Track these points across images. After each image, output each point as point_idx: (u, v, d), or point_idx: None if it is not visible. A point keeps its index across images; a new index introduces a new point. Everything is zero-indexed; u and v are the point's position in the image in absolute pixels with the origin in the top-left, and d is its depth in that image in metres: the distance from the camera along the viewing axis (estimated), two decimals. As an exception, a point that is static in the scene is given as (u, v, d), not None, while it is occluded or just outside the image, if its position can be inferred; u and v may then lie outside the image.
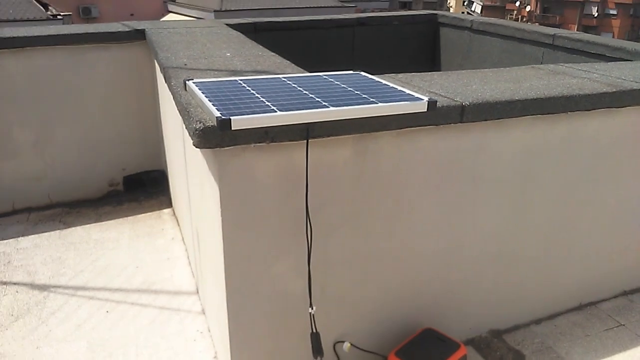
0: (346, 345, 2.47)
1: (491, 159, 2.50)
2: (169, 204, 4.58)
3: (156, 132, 4.54)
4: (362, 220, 2.32)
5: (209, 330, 2.95)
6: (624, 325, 2.96)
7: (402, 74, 2.79)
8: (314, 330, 2.25)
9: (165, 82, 2.86)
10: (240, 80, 2.40)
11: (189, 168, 2.88)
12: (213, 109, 1.96)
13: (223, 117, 1.86)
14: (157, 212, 4.48)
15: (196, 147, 1.96)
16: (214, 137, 1.92)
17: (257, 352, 2.34)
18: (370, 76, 2.53)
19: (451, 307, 2.72)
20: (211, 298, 2.69)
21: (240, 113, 1.91)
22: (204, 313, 3.12)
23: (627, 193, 2.96)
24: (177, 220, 4.22)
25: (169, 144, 3.90)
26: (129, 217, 4.39)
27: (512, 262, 2.78)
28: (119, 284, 3.46)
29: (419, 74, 2.80)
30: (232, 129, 1.86)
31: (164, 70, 2.89)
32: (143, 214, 4.44)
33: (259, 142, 2.00)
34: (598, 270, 3.08)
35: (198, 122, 1.94)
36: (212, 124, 1.91)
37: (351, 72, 2.61)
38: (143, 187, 4.87)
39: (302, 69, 2.82)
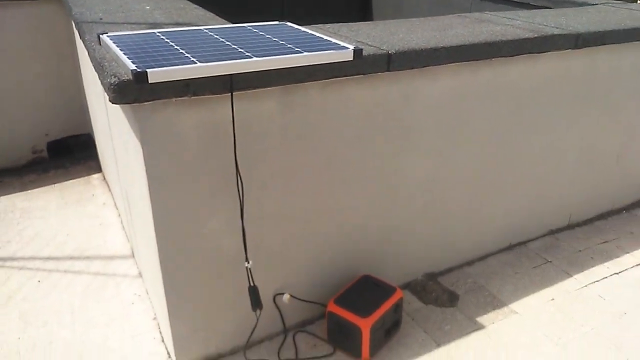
0: (286, 296, 2.49)
1: (419, 108, 2.52)
2: (98, 169, 4.41)
3: (79, 94, 4.32)
4: (294, 173, 2.30)
5: (147, 293, 2.90)
6: (550, 262, 3.12)
7: (330, 24, 2.74)
8: (252, 284, 2.24)
9: (80, 38, 2.69)
10: (159, 33, 2.29)
11: (112, 128, 2.76)
12: (128, 62, 1.85)
13: (139, 70, 1.76)
14: (86, 177, 4.31)
15: (113, 103, 1.86)
16: (130, 91, 1.83)
17: (196, 309, 2.32)
18: (296, 27, 2.47)
19: (387, 254, 2.78)
20: (146, 260, 2.63)
21: (158, 65, 1.82)
22: (141, 276, 3.06)
23: (550, 137, 3.07)
24: (108, 185, 4.07)
25: (92, 106, 3.71)
26: (56, 185, 4.20)
27: (443, 208, 2.85)
28: (49, 252, 3.33)
29: (346, 24, 2.76)
30: (149, 82, 1.77)
31: (77, 25, 2.71)
32: (71, 181, 4.26)
33: (181, 97, 1.92)
34: (526, 212, 3.22)
35: (113, 77, 1.83)
36: (128, 78, 1.81)
37: (277, 22, 2.53)
38: (70, 153, 4.66)
39: (226, 22, 2.72)
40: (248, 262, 2.19)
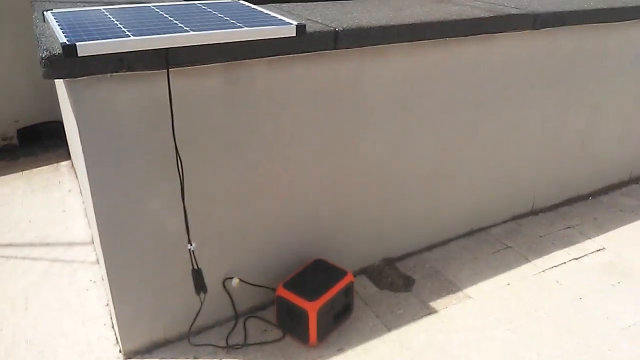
0: (234, 280, 2.46)
1: (371, 87, 2.48)
2: (67, 156, 4.37)
3: (50, 81, 4.26)
4: (240, 153, 2.27)
5: (103, 279, 2.87)
6: (510, 247, 3.10)
7: (287, 3, 2.71)
8: (195, 267, 2.21)
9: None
10: (105, 9, 2.25)
11: (64, 108, 2.72)
12: (61, 35, 1.82)
13: (68, 43, 1.72)
14: (55, 165, 4.27)
15: (45, 77, 1.82)
16: (61, 65, 1.79)
17: (140, 293, 2.29)
18: (248, 4, 2.43)
19: (343, 238, 2.75)
20: (97, 244, 2.60)
21: (90, 39, 1.78)
22: (98, 262, 3.02)
23: (511, 120, 3.04)
24: (75, 172, 4.04)
25: (59, 90, 3.67)
26: (25, 172, 4.17)
27: (400, 191, 2.82)
28: (10, 239, 3.30)
29: (302, 3, 2.73)
30: (79, 55, 1.73)
31: (30, 4, 2.67)
32: (39, 168, 4.23)
33: (116, 72, 1.89)
34: (487, 197, 3.19)
35: (45, 51, 1.79)
36: (59, 52, 1.78)
37: (230, 1, 2.49)
38: (40, 140, 4.62)
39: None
40: (191, 244, 2.16)
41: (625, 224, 3.34)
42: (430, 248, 3.07)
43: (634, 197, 3.70)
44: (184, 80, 2.03)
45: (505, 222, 3.34)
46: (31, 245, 3.26)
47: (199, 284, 2.21)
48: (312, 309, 2.30)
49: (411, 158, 2.77)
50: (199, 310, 2.36)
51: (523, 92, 3.00)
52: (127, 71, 1.90)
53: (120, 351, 2.39)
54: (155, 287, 2.31)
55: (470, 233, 3.21)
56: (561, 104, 3.21)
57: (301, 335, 2.39)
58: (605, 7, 3.03)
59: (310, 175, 2.50)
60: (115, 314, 2.29)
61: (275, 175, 2.40)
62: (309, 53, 2.23)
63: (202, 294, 2.26)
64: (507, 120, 3.02)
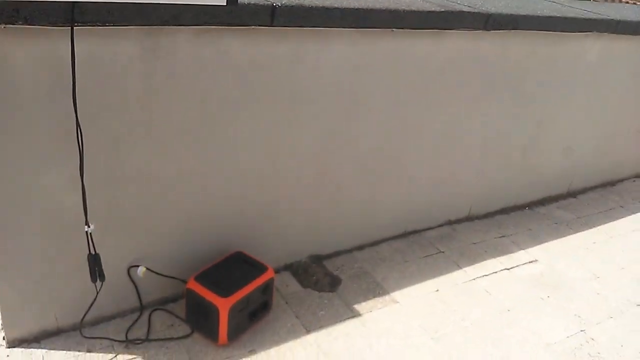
0: (141, 269, 2.24)
1: (311, 73, 2.30)
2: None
3: None
4: (157, 132, 2.04)
5: None
6: (443, 252, 3.00)
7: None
8: (92, 252, 1.98)
9: None
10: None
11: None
12: (-58, -28, 1.54)
13: (-53, -19, 1.46)
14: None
15: None
16: (-60, 7, 1.52)
17: (29, 276, 2.04)
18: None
19: (269, 231, 2.57)
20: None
21: (-22, -20, 1.52)
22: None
23: (453, 122, 2.93)
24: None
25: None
26: None
27: (333, 187, 2.67)
28: None
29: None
30: (-40, -3, 1.47)
31: None
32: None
33: (10, 23, 1.63)
34: (424, 198, 3.08)
35: None
36: (-62, -9, 1.51)
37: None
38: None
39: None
40: (89, 226, 1.92)
41: (559, 237, 3.30)
42: (361, 247, 2.94)
43: (570, 210, 3.68)
44: (95, 42, 1.79)
45: (440, 225, 3.24)
46: None
47: (96, 271, 1.98)
48: (223, 306, 2.11)
49: (348, 152, 2.61)
50: (94, 299, 2.13)
51: (468, 94, 2.89)
52: (24, 24, 1.64)
53: (3, 338, 2.13)
54: (47, 270, 2.07)
55: (404, 235, 3.09)
56: (507, 110, 3.13)
57: (211, 333, 2.20)
58: (558, 15, 2.95)
59: (237, 162, 2.30)
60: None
61: (196, 159, 2.19)
62: (242, 27, 2.02)
63: (99, 282, 2.02)
64: (450, 122, 2.91)
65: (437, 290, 2.68)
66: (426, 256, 2.94)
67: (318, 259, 2.78)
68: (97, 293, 2.09)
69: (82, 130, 1.81)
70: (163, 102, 2.01)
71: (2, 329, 2.13)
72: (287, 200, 2.54)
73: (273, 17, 2.04)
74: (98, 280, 2.00)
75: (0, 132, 1.77)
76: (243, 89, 2.16)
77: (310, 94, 2.35)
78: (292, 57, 2.22)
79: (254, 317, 2.30)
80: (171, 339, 2.22)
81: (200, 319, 2.22)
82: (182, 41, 1.95)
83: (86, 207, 1.90)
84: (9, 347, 2.14)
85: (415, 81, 2.64)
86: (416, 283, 2.71)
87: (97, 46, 1.80)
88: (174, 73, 1.98)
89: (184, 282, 2.29)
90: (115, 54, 1.85)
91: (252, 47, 2.10)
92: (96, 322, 2.27)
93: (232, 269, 2.29)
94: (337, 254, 2.86)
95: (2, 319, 2.09)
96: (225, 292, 2.14)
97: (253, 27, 2.04)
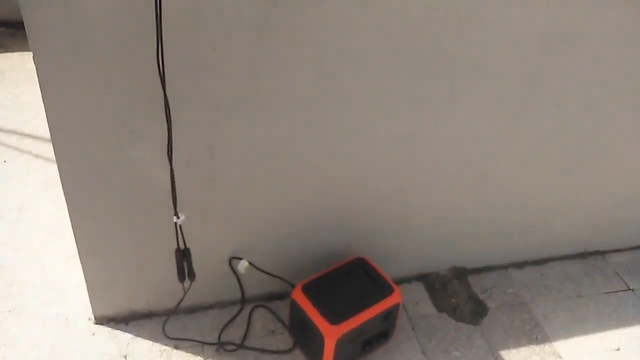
0: (243, 264, 1.85)
1: (491, 36, 1.64)
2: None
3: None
4: (264, 100, 1.55)
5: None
6: (632, 290, 2.23)
7: None
8: (181, 246, 1.61)
9: None
10: None
11: None
12: None
13: None
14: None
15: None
16: None
17: (121, 254, 1.75)
18: None
19: (402, 231, 2.03)
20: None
21: None
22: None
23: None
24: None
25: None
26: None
27: (493, 187, 2.02)
28: None
29: None
30: None
31: None
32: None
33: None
34: (618, 211, 2.29)
35: None
36: None
37: None
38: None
39: None
40: (177, 217, 1.54)
41: None
42: (521, 265, 2.28)
43: None
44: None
45: (633, 249, 2.44)
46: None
47: (184, 269, 1.63)
48: (331, 334, 1.66)
49: (524, 148, 1.94)
50: (181, 299, 1.79)
51: None
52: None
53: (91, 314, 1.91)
54: (138, 252, 1.77)
55: (581, 255, 2.36)
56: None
57: (314, 358, 1.78)
58: None
59: (374, 145, 1.76)
60: (85, 277, 1.79)
61: (319, 137, 1.68)
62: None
63: (188, 282, 1.67)
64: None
65: (618, 349, 1.98)
66: (608, 292, 2.21)
67: (462, 273, 2.20)
68: (185, 293, 1.75)
69: (168, 99, 1.38)
70: (282, 59, 1.49)
71: (90, 303, 1.90)
72: (427, 196, 1.97)
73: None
74: (187, 279, 1.65)
75: (72, 92, 1.40)
76: (395, 47, 1.57)
77: (487, 65, 1.69)
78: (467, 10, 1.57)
79: (370, 346, 1.82)
80: (269, 351, 1.85)
81: (304, 337, 1.80)
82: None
83: (175, 195, 1.51)
84: (96, 324, 1.92)
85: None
86: (590, 332, 2.03)
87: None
88: (299, 20, 1.44)
89: (291, 285, 1.87)
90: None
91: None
92: (192, 310, 1.97)
93: (348, 282, 1.81)
94: (488, 269, 2.25)
95: (89, 293, 1.85)
96: (335, 317, 1.68)
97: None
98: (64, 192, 1.59)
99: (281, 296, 2.04)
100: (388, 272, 1.87)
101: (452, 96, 1.72)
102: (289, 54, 1.48)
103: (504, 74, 1.71)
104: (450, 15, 1.53)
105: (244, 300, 2.00)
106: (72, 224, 1.66)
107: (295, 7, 1.40)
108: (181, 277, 1.63)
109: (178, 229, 1.58)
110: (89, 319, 1.93)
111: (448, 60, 1.63)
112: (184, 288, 1.72)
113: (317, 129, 1.66)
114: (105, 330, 1.90)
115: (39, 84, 1.37)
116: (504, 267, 2.27)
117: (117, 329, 1.90)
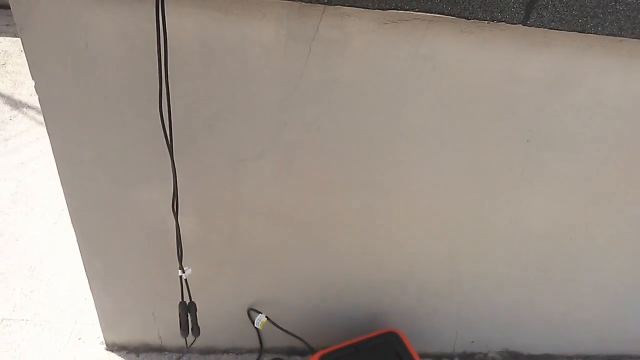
0: (260, 319, 1.69)
1: (586, 102, 1.33)
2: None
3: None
4: (310, 147, 1.35)
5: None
6: None
7: None
8: (186, 300, 1.45)
9: None
10: None
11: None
12: None
13: None
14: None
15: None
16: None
17: (132, 287, 1.65)
18: None
19: (447, 300, 1.77)
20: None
21: None
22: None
23: None
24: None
25: None
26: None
27: (564, 266, 1.70)
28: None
29: None
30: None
31: None
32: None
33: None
34: None
35: None
36: None
37: None
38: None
39: None
40: (183, 270, 1.39)
41: None
42: (588, 358, 1.94)
43: None
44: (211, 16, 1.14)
45: None
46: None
47: (188, 324, 1.47)
48: (339, 423, 1.46)
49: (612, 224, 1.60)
50: (191, 344, 1.65)
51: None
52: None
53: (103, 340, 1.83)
54: (149, 287, 1.66)
55: (667, 356, 1.98)
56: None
57: None
58: None
59: (413, 205, 1.51)
60: (96, 308, 1.71)
61: (358, 195, 1.46)
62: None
63: (192, 337, 1.51)
64: None
65: None
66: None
67: (514, 358, 1.90)
68: (187, 347, 1.60)
69: (171, 130, 1.20)
70: (338, 104, 1.28)
71: (101, 330, 1.81)
72: (481, 261, 1.68)
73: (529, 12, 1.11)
74: (190, 334, 1.49)
75: (77, 125, 1.28)
76: (451, 98, 1.31)
77: (575, 132, 1.39)
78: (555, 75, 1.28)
79: None
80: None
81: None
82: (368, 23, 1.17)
83: (181, 248, 1.35)
84: (107, 350, 1.83)
85: None
86: None
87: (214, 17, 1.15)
88: (342, 62, 1.23)
89: (310, 348, 1.68)
90: (257, 31, 1.17)
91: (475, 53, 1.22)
92: (206, 351, 1.84)
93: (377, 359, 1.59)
94: (546, 358, 1.93)
95: (100, 322, 1.76)
96: (348, 403, 1.47)
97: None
98: (74, 228, 1.49)
99: (302, 353, 1.85)
100: (426, 346, 1.64)
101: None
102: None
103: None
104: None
105: (262, 351, 1.83)
106: (82, 260, 1.56)
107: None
108: (184, 332, 1.48)
109: (183, 283, 1.42)
110: (102, 342, 1.85)
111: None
112: (186, 343, 1.57)
113: (357, 190, 1.44)
114: (115, 357, 1.81)
115: (43, 115, 1.26)
116: (568, 357, 1.93)
117: (128, 358, 1.81)
